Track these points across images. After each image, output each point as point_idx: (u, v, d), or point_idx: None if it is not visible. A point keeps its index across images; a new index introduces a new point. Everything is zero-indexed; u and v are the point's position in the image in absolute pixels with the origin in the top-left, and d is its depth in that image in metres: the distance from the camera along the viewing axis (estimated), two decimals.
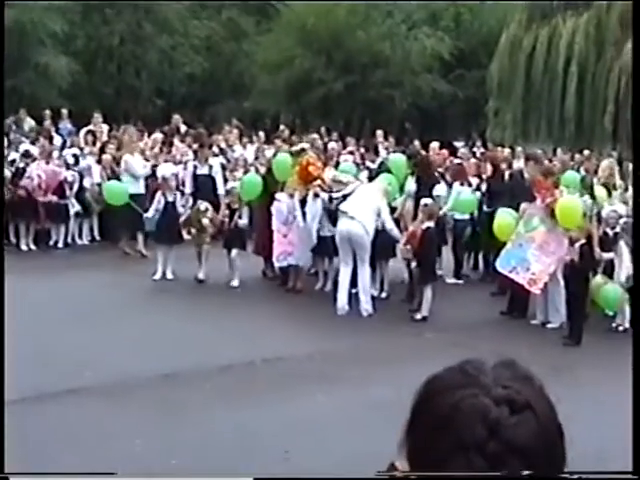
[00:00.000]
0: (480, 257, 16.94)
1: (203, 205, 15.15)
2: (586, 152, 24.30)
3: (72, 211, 18.44)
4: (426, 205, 13.26)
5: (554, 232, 12.66)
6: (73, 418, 8.30)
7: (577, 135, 26.79)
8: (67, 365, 9.90)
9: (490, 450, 1.39)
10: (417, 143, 25.32)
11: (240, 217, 15.21)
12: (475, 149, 27.58)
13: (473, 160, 19.24)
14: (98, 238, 19.22)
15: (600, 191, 15.15)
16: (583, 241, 12.15)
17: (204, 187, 15.51)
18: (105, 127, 23.21)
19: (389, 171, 15.24)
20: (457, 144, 28.48)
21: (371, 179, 15.17)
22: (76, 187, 18.47)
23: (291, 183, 14.45)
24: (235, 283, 15.06)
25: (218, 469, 6.99)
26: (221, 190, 15.61)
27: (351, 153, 19.83)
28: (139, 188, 17.52)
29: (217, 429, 8.10)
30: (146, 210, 16.11)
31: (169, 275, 15.49)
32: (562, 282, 12.65)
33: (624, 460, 5.65)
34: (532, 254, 12.65)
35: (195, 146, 18.37)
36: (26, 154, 18.31)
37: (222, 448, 7.54)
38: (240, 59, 38.56)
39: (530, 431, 1.42)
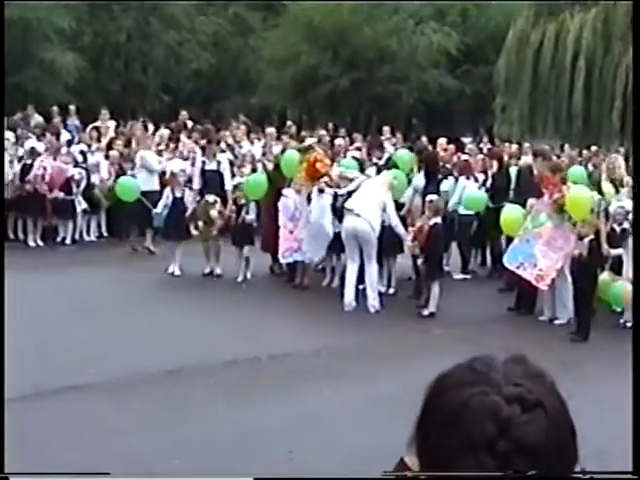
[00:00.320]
0: (487, 253, 16.92)
1: (211, 197, 15.16)
2: (593, 148, 24.24)
3: (79, 209, 18.45)
4: (432, 201, 13.25)
5: (561, 228, 12.63)
6: (76, 414, 8.29)
7: (585, 131, 26.75)
8: (71, 361, 9.89)
9: (500, 448, 1.37)
10: (424, 139, 25.33)
11: (247, 213, 15.23)
12: (482, 145, 27.54)
13: (480, 156, 19.21)
14: (106, 234, 19.24)
15: (607, 187, 15.11)
16: (592, 237, 12.12)
17: (212, 183, 15.49)
18: (112, 123, 23.22)
19: (396, 166, 15.21)
20: (464, 140, 28.41)
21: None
22: (83, 185, 18.47)
23: (298, 179, 14.44)
24: (240, 277, 15.12)
25: (221, 467, 6.98)
26: (228, 186, 15.59)
27: (358, 149, 19.79)
28: (154, 184, 17.43)
29: (221, 426, 8.08)
30: (155, 206, 16.13)
31: (177, 271, 15.50)
32: (569, 278, 12.62)
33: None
34: (539, 250, 12.62)
35: (202, 142, 18.35)
36: (32, 151, 18.31)
37: (226, 445, 7.52)
38: (247, 55, 38.53)
39: (541, 430, 1.40)
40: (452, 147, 21.75)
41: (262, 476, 6.50)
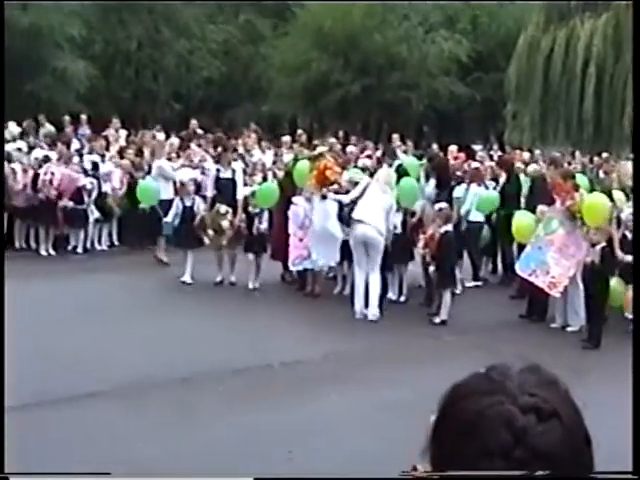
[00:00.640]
0: (499, 261, 16.92)
1: (223, 208, 15.18)
2: (604, 154, 24.20)
3: (91, 218, 18.48)
4: (441, 209, 13.25)
5: (573, 235, 12.61)
6: (86, 421, 8.30)
7: (595, 137, 26.71)
8: (82, 368, 9.91)
9: (516, 457, 1.38)
10: (435, 146, 25.32)
11: (260, 222, 15.26)
12: (492, 152, 27.53)
13: (489, 163, 19.22)
14: (117, 243, 19.26)
15: (618, 194, 15.08)
16: (604, 244, 12.10)
17: (225, 191, 15.51)
18: (123, 132, 23.29)
19: (407, 174, 15.21)
20: (475, 147, 28.40)
21: None
22: (95, 194, 18.48)
23: (309, 187, 14.45)
24: (251, 285, 15.21)
25: (229, 472, 6.99)
26: (240, 195, 15.58)
27: (369, 157, 19.79)
28: (170, 193, 17.38)
29: (231, 432, 8.08)
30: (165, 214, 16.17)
31: (188, 279, 15.51)
32: (581, 285, 12.60)
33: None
34: (551, 257, 12.61)
35: (212, 150, 18.40)
36: (46, 159, 18.37)
37: (235, 452, 7.52)
38: (257, 62, 38.64)
39: (556, 439, 1.40)
40: (462, 155, 21.73)
41: (262, 476, 6.53)
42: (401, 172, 15.36)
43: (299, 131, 26.35)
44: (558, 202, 12.89)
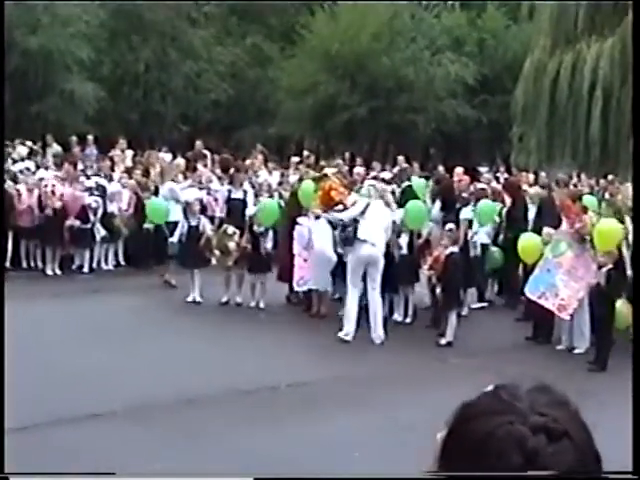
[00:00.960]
0: (504, 282, 16.91)
1: (230, 229, 15.22)
2: (610, 177, 24.17)
3: (98, 237, 18.50)
4: (451, 230, 13.27)
5: (582, 257, 12.60)
6: (92, 442, 8.29)
7: (602, 160, 26.68)
8: (88, 389, 9.90)
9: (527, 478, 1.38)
10: (441, 168, 25.34)
11: (265, 241, 15.30)
12: (499, 174, 27.55)
13: (495, 184, 19.26)
14: (123, 263, 19.27)
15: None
16: (610, 266, 12.08)
17: (235, 211, 15.58)
18: (130, 153, 23.35)
19: (415, 197, 15.24)
20: (481, 169, 28.42)
21: (398, 204, 15.12)
22: (100, 213, 18.51)
23: (314, 207, 14.47)
24: (253, 303, 15.30)
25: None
26: (247, 215, 15.62)
27: (375, 178, 19.80)
28: (179, 215, 17.33)
29: (237, 454, 8.06)
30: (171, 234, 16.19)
31: (198, 298, 15.55)
32: (587, 307, 12.59)
33: None
34: (560, 279, 12.60)
35: (219, 171, 18.48)
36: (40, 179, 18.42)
37: (241, 473, 7.50)
38: (265, 85, 38.74)
39: (568, 459, 1.40)
40: (467, 177, 21.73)
41: (262, 476, 6.52)
42: (409, 194, 15.39)
43: (306, 152, 26.39)
44: (566, 224, 12.88)
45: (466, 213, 15.29)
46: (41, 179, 18.55)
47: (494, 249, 16.15)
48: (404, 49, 36.08)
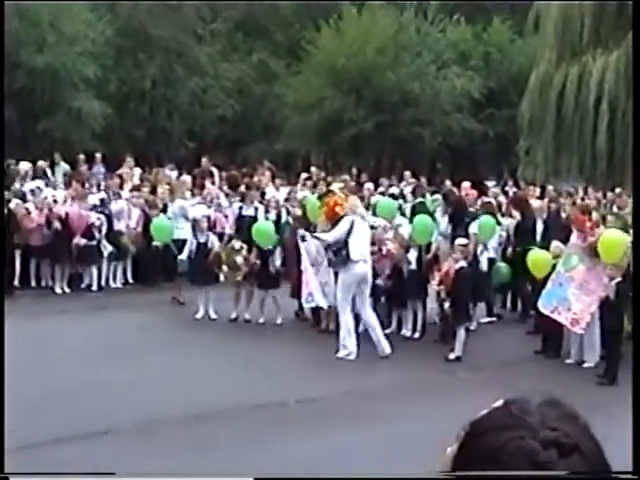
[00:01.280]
0: (510, 296, 16.93)
1: (237, 244, 15.25)
2: (617, 190, 24.17)
3: (105, 253, 18.51)
4: (465, 245, 13.27)
5: (594, 271, 12.57)
6: (101, 458, 8.28)
7: (609, 173, 26.65)
8: (97, 405, 9.91)
9: None
10: (448, 182, 25.35)
11: (273, 258, 15.34)
12: (507, 188, 27.56)
13: (502, 198, 19.27)
14: (131, 281, 19.28)
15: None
16: (619, 279, 12.06)
17: (246, 227, 15.61)
18: (137, 171, 23.40)
19: (425, 211, 15.26)
20: (488, 183, 28.43)
21: (410, 220, 15.14)
22: (104, 229, 18.50)
23: (320, 223, 14.48)
24: (262, 320, 15.32)
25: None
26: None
27: (382, 194, 19.86)
28: (188, 233, 17.34)
29: (246, 470, 8.05)
30: (180, 252, 16.20)
31: (212, 315, 15.58)
32: (598, 321, 12.57)
33: None
34: (572, 293, 12.57)
35: (226, 187, 18.53)
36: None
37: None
38: (271, 100, 38.82)
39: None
40: (474, 192, 21.72)
41: (262, 476, 6.51)
42: (420, 210, 15.39)
43: (313, 168, 26.43)
44: (577, 237, 12.86)
45: (474, 227, 15.27)
46: (45, 197, 18.58)
47: (501, 264, 16.13)
48: (410, 63, 36.13)
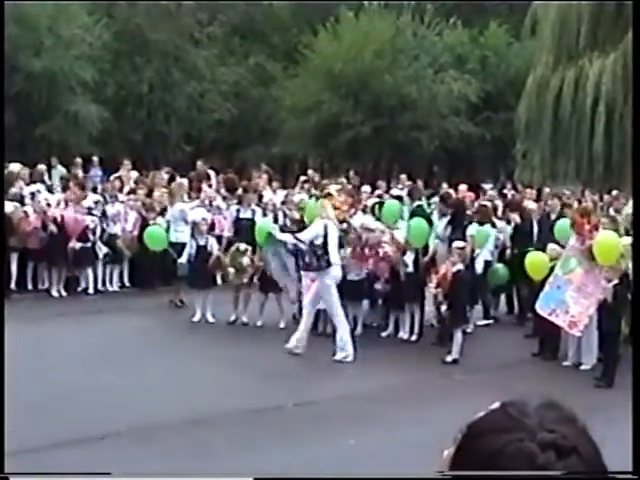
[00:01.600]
0: (508, 299, 16.93)
1: (242, 246, 15.27)
2: (614, 192, 24.19)
3: (100, 254, 18.48)
4: (462, 248, 13.27)
5: (592, 273, 12.58)
6: (98, 463, 8.27)
7: (606, 175, 26.67)
8: (95, 409, 9.90)
9: None
10: (445, 185, 25.37)
11: None
12: (506, 191, 27.57)
13: (498, 202, 19.28)
14: (128, 284, 19.26)
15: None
16: (616, 281, 12.07)
17: (244, 230, 15.61)
18: (134, 174, 23.37)
19: (423, 215, 15.26)
20: (485, 186, 28.43)
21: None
22: (99, 232, 18.48)
23: None
24: (259, 323, 15.39)
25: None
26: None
27: (379, 197, 19.84)
28: (188, 236, 17.32)
29: (244, 473, 8.04)
30: (179, 255, 16.19)
31: (210, 319, 15.58)
32: (596, 323, 12.58)
33: None
34: (570, 296, 12.58)
35: (223, 191, 18.52)
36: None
37: None
38: (268, 104, 38.80)
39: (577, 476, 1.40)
40: (471, 194, 21.75)
41: (262, 476, 6.51)
42: (418, 213, 15.39)
43: (310, 172, 26.41)
44: (576, 240, 12.87)
45: (472, 230, 15.29)
46: (39, 201, 18.55)
47: (498, 265, 16.14)
48: (407, 67, 36.14)
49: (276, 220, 17.35)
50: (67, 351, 12.87)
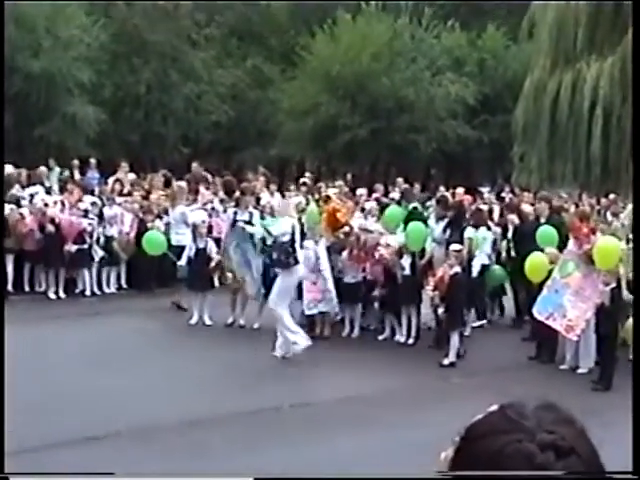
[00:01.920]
0: (504, 302, 16.94)
1: None
2: (612, 196, 24.20)
3: (97, 257, 18.47)
4: (459, 251, 13.27)
5: (590, 277, 12.58)
6: (96, 463, 8.28)
7: (603, 179, 26.68)
8: (92, 411, 9.91)
9: None
10: (442, 188, 25.38)
11: None
12: (503, 194, 27.58)
13: (495, 206, 19.29)
14: (125, 286, 19.24)
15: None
16: (614, 285, 12.08)
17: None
18: (132, 176, 23.36)
19: (420, 218, 15.26)
20: (482, 189, 28.47)
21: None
22: (96, 234, 18.46)
23: (319, 230, 14.51)
24: (256, 325, 15.35)
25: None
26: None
27: (377, 200, 19.85)
28: (189, 239, 17.29)
29: (241, 475, 8.04)
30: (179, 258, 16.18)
31: (207, 321, 15.57)
32: (594, 327, 12.58)
33: None
34: (568, 300, 12.58)
35: (221, 194, 18.51)
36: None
37: None
38: (265, 106, 38.81)
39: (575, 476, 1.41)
40: (468, 197, 21.76)
41: (262, 476, 6.51)
42: (415, 215, 15.40)
43: (307, 174, 26.42)
44: (574, 244, 12.87)
45: (469, 233, 15.29)
46: (35, 203, 18.55)
47: (495, 267, 16.14)
48: (404, 70, 36.16)
49: None
50: (66, 352, 12.88)
